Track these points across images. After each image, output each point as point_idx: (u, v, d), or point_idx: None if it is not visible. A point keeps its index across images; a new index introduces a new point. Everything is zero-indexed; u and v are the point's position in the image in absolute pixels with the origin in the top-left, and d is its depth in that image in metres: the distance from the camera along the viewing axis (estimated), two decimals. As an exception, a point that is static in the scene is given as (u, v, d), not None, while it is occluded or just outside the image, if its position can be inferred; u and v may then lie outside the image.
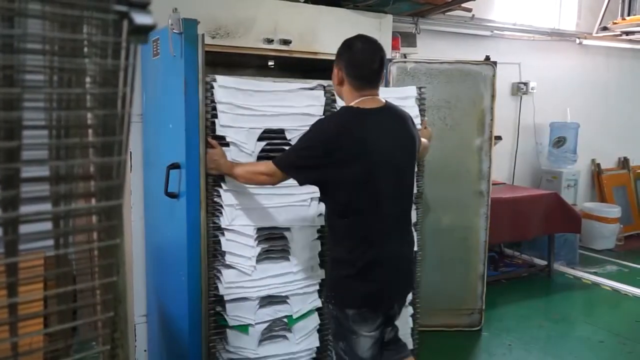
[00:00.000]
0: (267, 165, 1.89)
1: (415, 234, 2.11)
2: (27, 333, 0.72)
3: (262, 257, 2.13)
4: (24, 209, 0.67)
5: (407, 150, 1.90)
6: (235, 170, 1.97)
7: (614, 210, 5.33)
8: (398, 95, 2.45)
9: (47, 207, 0.71)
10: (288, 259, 2.19)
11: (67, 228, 0.75)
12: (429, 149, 2.38)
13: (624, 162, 6.12)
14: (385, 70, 2.01)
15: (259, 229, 2.11)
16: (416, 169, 2.06)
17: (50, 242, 0.74)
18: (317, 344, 2.28)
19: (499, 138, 4.21)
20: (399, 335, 2.07)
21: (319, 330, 2.28)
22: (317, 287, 2.26)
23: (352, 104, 1.84)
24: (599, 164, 5.90)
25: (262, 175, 1.90)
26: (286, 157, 1.88)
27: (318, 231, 2.25)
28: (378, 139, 1.79)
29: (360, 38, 1.87)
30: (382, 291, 1.83)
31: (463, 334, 3.35)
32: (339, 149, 1.75)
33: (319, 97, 2.24)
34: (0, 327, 0.70)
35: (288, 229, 2.18)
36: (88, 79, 0.74)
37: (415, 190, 2.15)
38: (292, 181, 1.90)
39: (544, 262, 4.70)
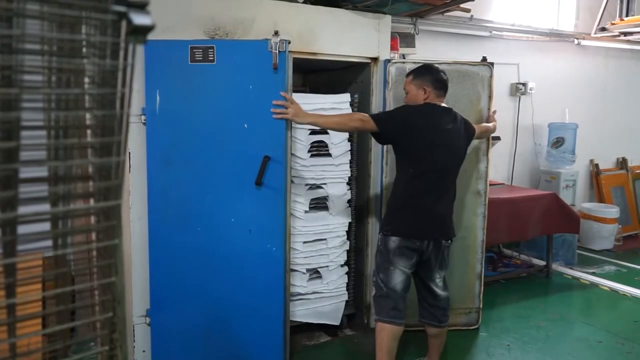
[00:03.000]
0: (364, 115, 2.55)
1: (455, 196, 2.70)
2: (26, 334, 0.72)
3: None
4: (23, 210, 0.67)
5: (462, 141, 2.62)
6: (319, 119, 2.59)
7: (612, 211, 5.34)
8: (334, 100, 3.02)
9: (45, 207, 0.71)
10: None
11: (66, 228, 0.75)
12: (489, 132, 3.23)
13: (622, 163, 6.13)
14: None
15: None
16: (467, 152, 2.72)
17: (49, 243, 0.74)
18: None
19: (497, 138, 4.22)
20: (448, 306, 2.69)
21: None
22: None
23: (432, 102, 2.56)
24: (597, 165, 5.91)
25: (359, 120, 2.51)
26: (379, 115, 2.64)
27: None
28: (439, 125, 2.50)
29: (431, 65, 2.69)
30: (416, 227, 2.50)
31: (461, 333, 3.36)
32: (413, 125, 2.47)
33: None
34: (-1, 328, 0.70)
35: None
36: (87, 80, 0.74)
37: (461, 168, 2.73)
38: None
39: (542, 263, 4.70)
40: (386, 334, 2.48)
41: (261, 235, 2.63)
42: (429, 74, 2.59)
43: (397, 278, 2.50)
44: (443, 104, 2.60)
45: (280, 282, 2.70)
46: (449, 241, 2.61)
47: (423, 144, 2.49)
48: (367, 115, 2.55)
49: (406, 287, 2.55)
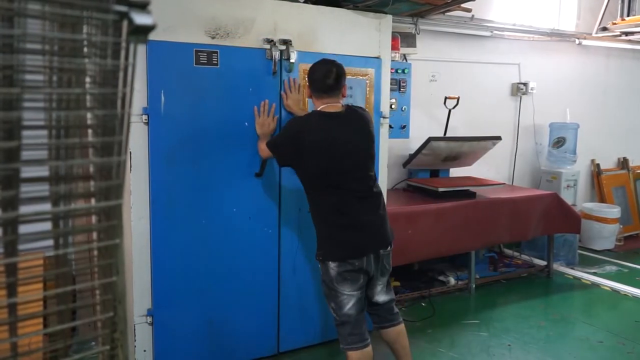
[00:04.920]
0: (263, 143, 2.57)
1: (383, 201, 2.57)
2: (27, 333, 0.72)
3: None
4: (24, 209, 0.67)
5: (361, 142, 2.43)
6: (260, 144, 2.64)
7: (613, 211, 5.33)
8: None
9: (46, 207, 0.71)
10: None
11: (67, 228, 0.75)
12: None
13: (623, 163, 6.12)
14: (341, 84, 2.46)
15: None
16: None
17: (50, 243, 0.74)
18: None
19: (498, 138, 4.21)
20: (393, 305, 2.56)
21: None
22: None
23: (318, 108, 2.43)
24: (598, 165, 5.91)
25: (263, 151, 2.59)
26: (274, 139, 2.55)
27: None
28: (337, 133, 2.36)
29: (320, 61, 2.47)
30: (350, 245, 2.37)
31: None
32: (303, 142, 2.34)
33: None
34: (0, 327, 0.70)
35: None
36: (88, 79, 0.74)
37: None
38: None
39: (543, 263, 4.70)
40: None
41: (259, 220, 2.87)
42: (310, 73, 2.45)
43: (348, 304, 2.36)
44: (334, 106, 2.41)
45: (274, 257, 2.96)
46: (388, 247, 2.45)
47: (319, 159, 2.33)
48: (267, 151, 2.53)
49: (361, 309, 2.41)
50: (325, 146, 2.33)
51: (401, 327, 2.56)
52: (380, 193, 2.50)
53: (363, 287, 2.41)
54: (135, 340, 2.67)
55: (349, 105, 2.52)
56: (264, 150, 2.59)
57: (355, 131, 2.42)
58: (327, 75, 2.38)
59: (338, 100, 2.44)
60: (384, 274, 2.49)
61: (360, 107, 2.61)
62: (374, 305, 2.54)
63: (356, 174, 2.39)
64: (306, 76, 2.50)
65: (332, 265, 2.34)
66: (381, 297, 2.52)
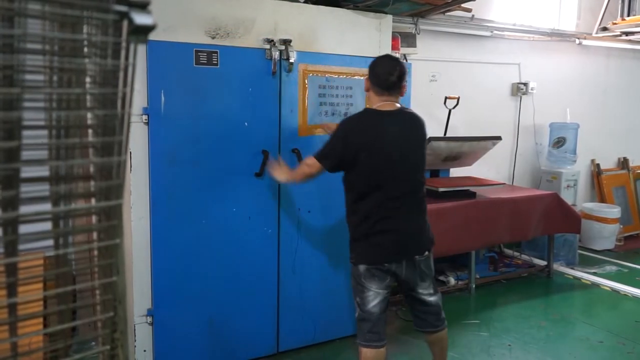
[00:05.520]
0: (309, 159, 2.45)
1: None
2: (27, 333, 0.72)
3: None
4: (24, 209, 0.67)
5: (414, 144, 2.41)
6: (287, 176, 2.59)
7: (613, 211, 5.33)
8: None
9: (46, 207, 0.71)
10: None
11: (67, 228, 0.75)
12: None
13: (623, 163, 6.12)
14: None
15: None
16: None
17: (50, 242, 0.74)
18: None
19: (498, 138, 4.21)
20: (441, 311, 2.54)
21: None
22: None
23: (374, 106, 2.39)
24: (598, 165, 5.91)
25: (305, 166, 2.48)
26: (322, 150, 2.42)
27: None
28: (389, 134, 2.32)
29: (384, 56, 2.46)
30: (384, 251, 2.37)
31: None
32: (353, 141, 2.30)
33: None
34: (0, 327, 0.70)
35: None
36: (88, 79, 0.74)
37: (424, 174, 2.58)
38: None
39: (543, 263, 4.70)
40: (365, 359, 2.41)
41: (259, 220, 2.88)
42: (372, 65, 2.41)
43: (372, 301, 2.37)
44: (390, 105, 2.37)
45: (274, 256, 2.97)
46: (425, 253, 2.43)
47: (367, 158, 2.30)
48: (312, 157, 2.42)
49: (383, 309, 2.41)
50: (374, 145, 2.30)
51: (445, 332, 2.57)
52: (424, 198, 2.46)
53: (389, 287, 2.42)
54: (135, 340, 2.67)
55: (403, 106, 2.46)
56: (280, 176, 2.61)
57: (406, 133, 2.38)
58: (391, 72, 2.33)
59: (397, 99, 2.41)
60: (425, 279, 2.46)
61: (414, 112, 2.53)
62: (424, 305, 2.50)
63: (401, 176, 2.34)
64: (368, 69, 2.41)
65: (361, 266, 2.38)
66: (429, 297, 2.49)
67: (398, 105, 2.40)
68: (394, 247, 2.35)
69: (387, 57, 2.45)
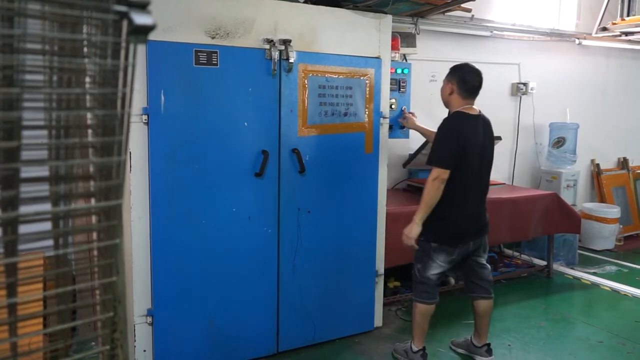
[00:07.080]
0: (438, 171, 2.65)
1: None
2: (27, 333, 0.72)
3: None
4: (24, 209, 0.67)
5: (489, 144, 2.85)
6: (420, 213, 2.72)
7: (613, 211, 5.33)
8: None
9: (46, 207, 0.71)
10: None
11: (67, 228, 0.75)
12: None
13: (623, 163, 6.13)
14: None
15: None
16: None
17: (50, 242, 0.74)
18: None
19: (498, 138, 4.20)
20: (490, 278, 2.97)
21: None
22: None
23: (459, 109, 2.74)
24: (598, 165, 5.91)
25: (438, 181, 2.65)
26: (440, 158, 2.68)
27: None
28: (479, 134, 2.74)
29: (466, 64, 2.80)
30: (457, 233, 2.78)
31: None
32: (460, 137, 2.66)
33: None
34: (0, 327, 0.70)
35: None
36: (88, 79, 0.74)
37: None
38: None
39: (543, 263, 4.70)
40: (418, 311, 2.86)
41: (259, 220, 2.88)
42: (459, 71, 2.75)
43: (433, 270, 2.79)
44: (473, 109, 2.74)
45: (274, 257, 2.97)
46: (486, 235, 2.91)
47: (467, 155, 2.67)
48: (438, 169, 2.65)
49: (439, 279, 2.84)
50: (472, 143, 2.69)
51: (492, 302, 2.99)
52: (488, 183, 2.92)
53: (452, 263, 2.82)
54: (135, 340, 2.67)
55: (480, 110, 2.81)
56: (425, 203, 2.71)
57: (486, 133, 2.81)
58: (478, 79, 2.72)
59: (474, 103, 2.78)
60: (484, 250, 2.95)
61: (486, 115, 2.88)
62: (481, 269, 2.93)
63: (481, 170, 2.79)
64: (452, 68, 2.77)
65: (434, 244, 2.75)
66: (485, 262, 2.96)
67: (477, 108, 2.78)
68: (467, 231, 2.78)
69: (470, 66, 2.78)
